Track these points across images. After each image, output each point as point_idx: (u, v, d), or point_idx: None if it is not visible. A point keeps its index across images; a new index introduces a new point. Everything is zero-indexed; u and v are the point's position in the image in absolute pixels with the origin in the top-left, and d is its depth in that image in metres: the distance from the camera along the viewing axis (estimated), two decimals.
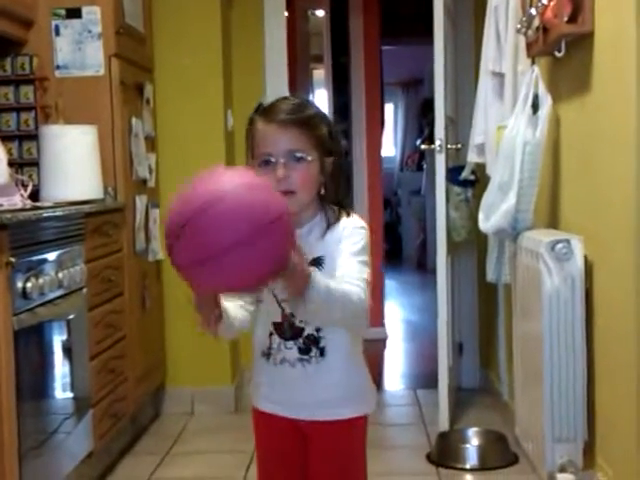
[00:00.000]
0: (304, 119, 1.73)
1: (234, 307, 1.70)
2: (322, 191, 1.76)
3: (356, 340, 1.80)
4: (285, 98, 1.79)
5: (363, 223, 1.76)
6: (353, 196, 5.75)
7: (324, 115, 1.80)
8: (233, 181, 1.45)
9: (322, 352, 1.74)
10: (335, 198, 1.77)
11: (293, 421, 1.80)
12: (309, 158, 1.72)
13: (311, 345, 1.74)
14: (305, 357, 1.75)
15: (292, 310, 1.71)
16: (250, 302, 1.76)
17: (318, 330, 1.74)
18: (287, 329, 1.75)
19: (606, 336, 2.41)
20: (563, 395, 2.48)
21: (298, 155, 1.71)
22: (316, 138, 1.73)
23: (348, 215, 1.77)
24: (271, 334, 1.77)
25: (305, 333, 1.74)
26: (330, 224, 1.74)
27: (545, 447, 2.51)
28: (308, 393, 1.77)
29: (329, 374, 1.75)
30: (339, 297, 1.58)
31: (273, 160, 1.70)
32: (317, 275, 1.55)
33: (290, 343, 1.75)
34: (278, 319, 1.75)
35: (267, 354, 1.78)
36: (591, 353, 2.49)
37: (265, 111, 1.75)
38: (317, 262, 1.69)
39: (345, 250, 1.70)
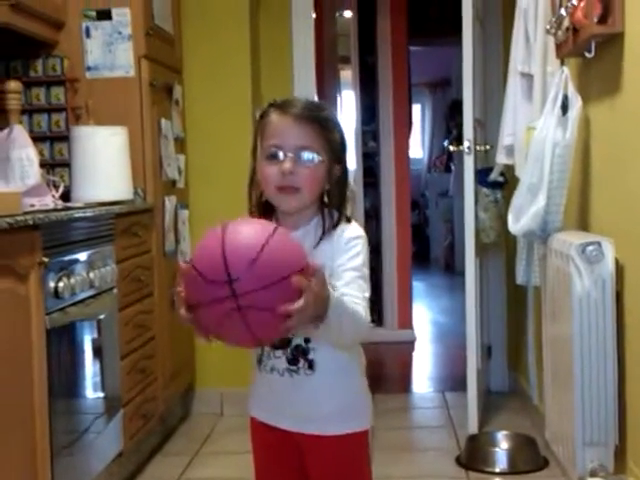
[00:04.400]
0: (319, 118, 1.68)
1: None
2: (325, 199, 1.71)
3: (352, 356, 1.73)
4: (301, 98, 1.76)
5: (361, 231, 1.71)
6: (380, 198, 5.76)
7: (339, 122, 1.75)
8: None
9: (311, 365, 1.68)
10: (337, 208, 1.72)
11: (285, 432, 1.74)
12: (318, 158, 1.67)
13: (299, 356, 1.68)
14: (293, 368, 1.68)
15: (303, 333, 1.64)
16: None
17: (307, 341, 1.67)
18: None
19: (637, 339, 2.39)
20: (594, 398, 2.46)
21: (307, 153, 1.66)
22: (328, 141, 1.68)
23: (348, 221, 1.72)
24: None
25: (293, 344, 1.68)
26: (326, 231, 1.69)
27: (576, 451, 2.49)
28: (296, 405, 1.70)
29: (318, 389, 1.69)
30: (350, 313, 1.55)
31: (281, 154, 1.65)
32: (332, 294, 1.50)
33: (279, 352, 1.69)
34: None
35: (259, 361, 1.74)
36: (622, 356, 2.47)
37: (281, 104, 1.70)
38: None
39: (345, 266, 1.64)
